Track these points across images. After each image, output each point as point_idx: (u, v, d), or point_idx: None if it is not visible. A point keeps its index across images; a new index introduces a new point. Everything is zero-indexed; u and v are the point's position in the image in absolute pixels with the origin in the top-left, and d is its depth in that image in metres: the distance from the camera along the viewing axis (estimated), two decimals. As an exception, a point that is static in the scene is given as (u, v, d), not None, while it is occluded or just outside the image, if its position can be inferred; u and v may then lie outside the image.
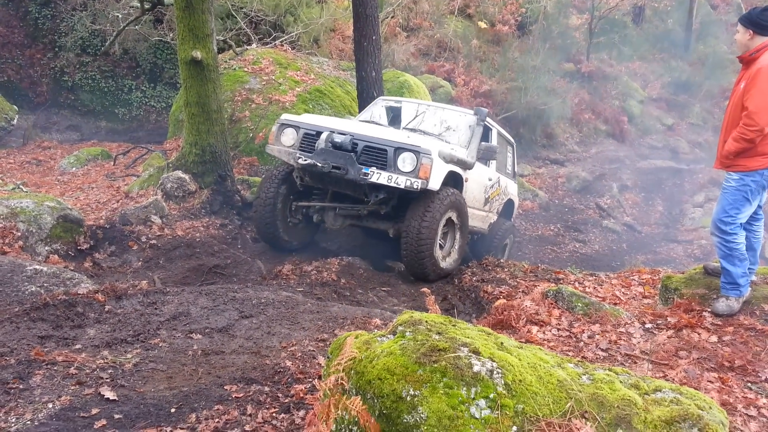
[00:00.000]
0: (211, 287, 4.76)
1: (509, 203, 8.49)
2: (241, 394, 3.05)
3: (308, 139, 6.02)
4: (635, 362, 3.78)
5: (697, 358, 3.72)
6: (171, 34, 12.33)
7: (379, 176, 5.54)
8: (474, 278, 5.47)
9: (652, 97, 18.08)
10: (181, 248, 6.18)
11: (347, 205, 6.24)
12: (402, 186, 5.49)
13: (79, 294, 3.97)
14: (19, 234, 5.39)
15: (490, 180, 7.38)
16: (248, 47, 11.18)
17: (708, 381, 3.44)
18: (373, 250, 7.09)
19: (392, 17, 14.59)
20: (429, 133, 6.84)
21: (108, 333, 3.63)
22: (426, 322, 2.50)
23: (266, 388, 3.14)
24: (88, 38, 12.97)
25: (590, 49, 16.94)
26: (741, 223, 4.02)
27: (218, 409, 2.88)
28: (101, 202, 7.74)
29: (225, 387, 3.11)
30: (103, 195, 8.10)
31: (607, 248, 9.46)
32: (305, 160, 5.80)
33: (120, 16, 11.93)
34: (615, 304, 4.83)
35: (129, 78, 13.31)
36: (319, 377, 3.27)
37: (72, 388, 2.94)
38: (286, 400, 3.04)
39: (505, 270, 5.67)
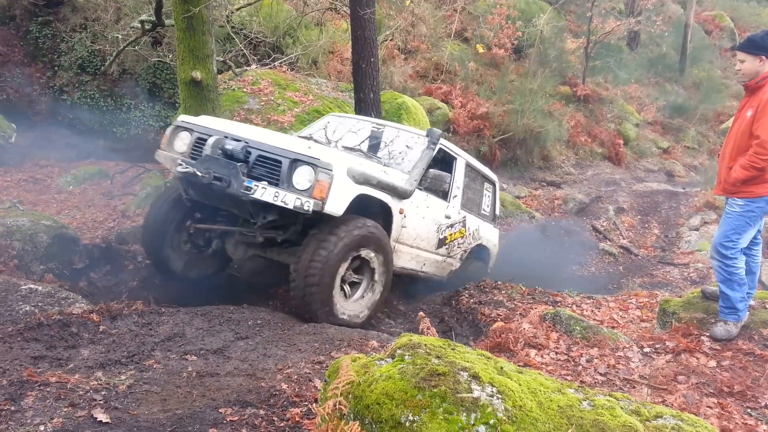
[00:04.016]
0: (207, 308, 4.72)
1: (481, 250, 7.28)
2: (236, 418, 3.01)
3: (200, 145, 5.13)
4: (634, 387, 3.76)
5: (696, 383, 3.70)
6: (170, 55, 12.40)
7: (263, 192, 4.57)
8: (471, 300, 5.45)
9: (647, 120, 18.24)
10: (177, 268, 6.13)
11: (244, 230, 5.24)
12: (290, 206, 4.50)
13: (74, 314, 3.94)
14: (15, 252, 5.36)
15: (447, 218, 6.24)
16: (247, 68, 11.25)
17: (707, 406, 3.41)
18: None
19: (391, 40, 14.74)
20: (374, 156, 5.94)
21: (102, 354, 3.59)
22: (425, 345, 2.48)
23: (261, 412, 3.10)
24: (88, 58, 13.04)
25: (586, 73, 17.12)
26: (741, 248, 4.03)
27: (213, 433, 2.84)
28: (98, 221, 7.71)
29: (220, 410, 3.07)
30: (99, 214, 8.08)
31: (604, 271, 9.46)
32: (184, 168, 4.87)
33: (120, 36, 12.01)
34: (613, 327, 4.82)
35: (128, 97, 13.36)
36: (316, 401, 3.23)
37: (65, 410, 2.90)
38: (282, 424, 3.00)
39: (503, 292, 5.65)
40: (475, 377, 2.25)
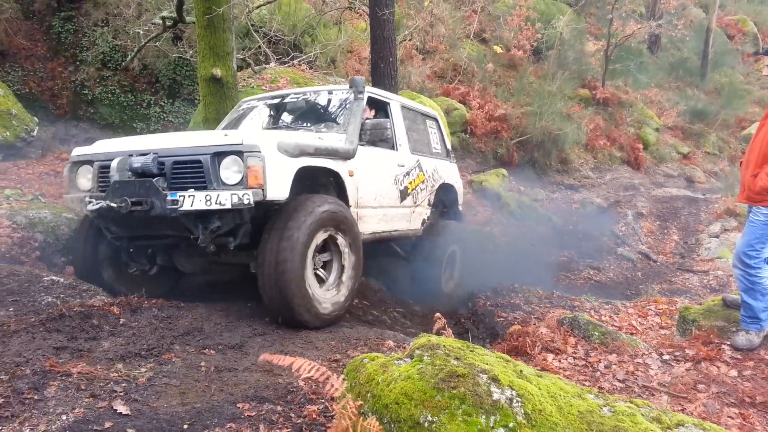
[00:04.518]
0: (225, 304, 4.76)
1: (447, 189, 6.87)
2: (254, 413, 3.03)
3: (106, 173, 4.44)
4: (653, 394, 3.72)
5: (717, 393, 3.65)
6: (190, 52, 12.51)
7: (192, 200, 3.98)
8: (488, 303, 5.43)
9: (667, 125, 18.05)
10: (195, 263, 6.17)
11: (191, 241, 4.50)
12: (228, 205, 3.95)
13: (95, 306, 3.99)
14: (37, 244, 5.43)
15: (401, 166, 5.81)
16: (267, 66, 11.32)
17: (728, 416, 3.37)
18: (387, 271, 7.02)
19: (409, 40, 14.74)
20: (304, 126, 5.48)
21: (122, 346, 3.63)
22: (444, 346, 2.47)
23: (279, 408, 3.12)
24: (109, 53, 13.19)
25: (606, 76, 16.98)
26: (765, 258, 3.97)
27: (231, 427, 2.85)
28: (117, 215, 7.78)
29: (237, 405, 3.09)
30: (119, 208, 8.14)
31: (622, 276, 9.38)
32: (95, 205, 4.21)
33: (141, 32, 12.13)
34: (631, 333, 4.77)
35: (148, 93, 13.49)
36: (333, 399, 3.24)
37: (86, 400, 2.93)
38: (299, 421, 3.01)
39: (520, 295, 5.62)
40: (495, 380, 2.24)
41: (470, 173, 12.15)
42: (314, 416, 3.04)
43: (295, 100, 5.93)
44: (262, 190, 3.98)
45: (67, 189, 4.71)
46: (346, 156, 4.88)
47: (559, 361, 4.07)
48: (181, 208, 3.99)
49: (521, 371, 2.40)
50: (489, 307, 5.31)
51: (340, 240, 4.60)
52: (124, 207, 4.09)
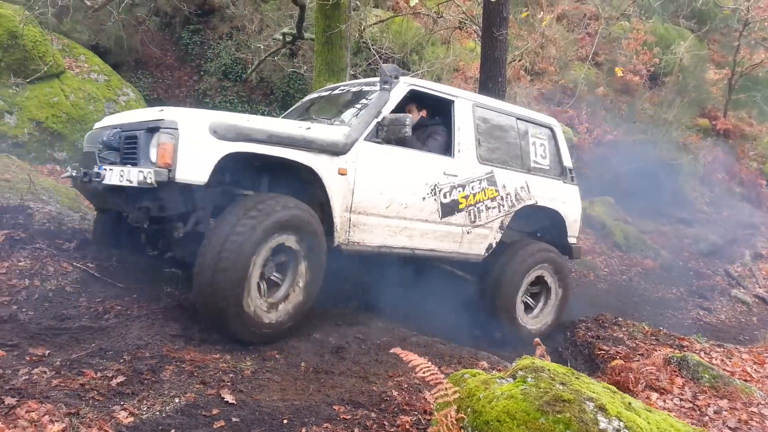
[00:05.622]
0: (341, 310, 4.94)
1: (547, 215, 5.79)
2: (349, 416, 3.10)
3: None
4: (770, 448, 3.44)
5: None
6: (304, 67, 13.09)
7: (111, 175, 3.86)
8: (588, 334, 5.24)
9: (796, 161, 16.61)
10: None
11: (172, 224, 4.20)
12: (134, 183, 3.69)
13: (208, 299, 4.24)
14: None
15: (452, 175, 4.97)
16: (375, 82, 11.60)
17: None
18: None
19: (519, 60, 14.59)
20: (329, 120, 4.91)
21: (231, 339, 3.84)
22: (549, 370, 2.43)
23: (373, 414, 3.17)
24: (231, 65, 14.05)
25: (728, 106, 15.92)
26: None
27: (327, 427, 2.94)
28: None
29: (333, 407, 3.18)
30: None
31: (735, 320, 8.69)
32: (66, 174, 4.43)
33: (261, 47, 12.85)
34: (746, 380, 4.43)
35: (263, 104, 14.22)
36: (425, 411, 3.26)
37: (196, 387, 3.13)
38: (392, 429, 3.05)
39: (623, 329, 5.37)
40: (602, 409, 2.17)
41: (573, 199, 11.77)
42: (407, 427, 3.07)
43: (342, 92, 5.46)
44: (169, 170, 3.63)
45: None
46: (333, 150, 4.27)
47: (664, 401, 3.85)
48: (104, 182, 3.91)
49: (629, 403, 2.31)
50: (589, 339, 5.11)
51: (297, 248, 4.09)
52: (77, 177, 4.23)
